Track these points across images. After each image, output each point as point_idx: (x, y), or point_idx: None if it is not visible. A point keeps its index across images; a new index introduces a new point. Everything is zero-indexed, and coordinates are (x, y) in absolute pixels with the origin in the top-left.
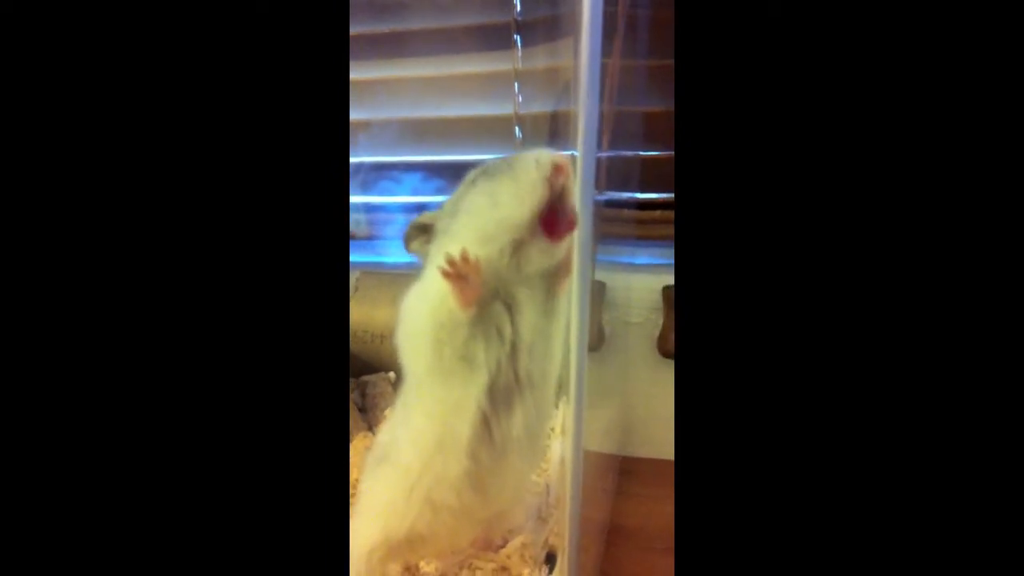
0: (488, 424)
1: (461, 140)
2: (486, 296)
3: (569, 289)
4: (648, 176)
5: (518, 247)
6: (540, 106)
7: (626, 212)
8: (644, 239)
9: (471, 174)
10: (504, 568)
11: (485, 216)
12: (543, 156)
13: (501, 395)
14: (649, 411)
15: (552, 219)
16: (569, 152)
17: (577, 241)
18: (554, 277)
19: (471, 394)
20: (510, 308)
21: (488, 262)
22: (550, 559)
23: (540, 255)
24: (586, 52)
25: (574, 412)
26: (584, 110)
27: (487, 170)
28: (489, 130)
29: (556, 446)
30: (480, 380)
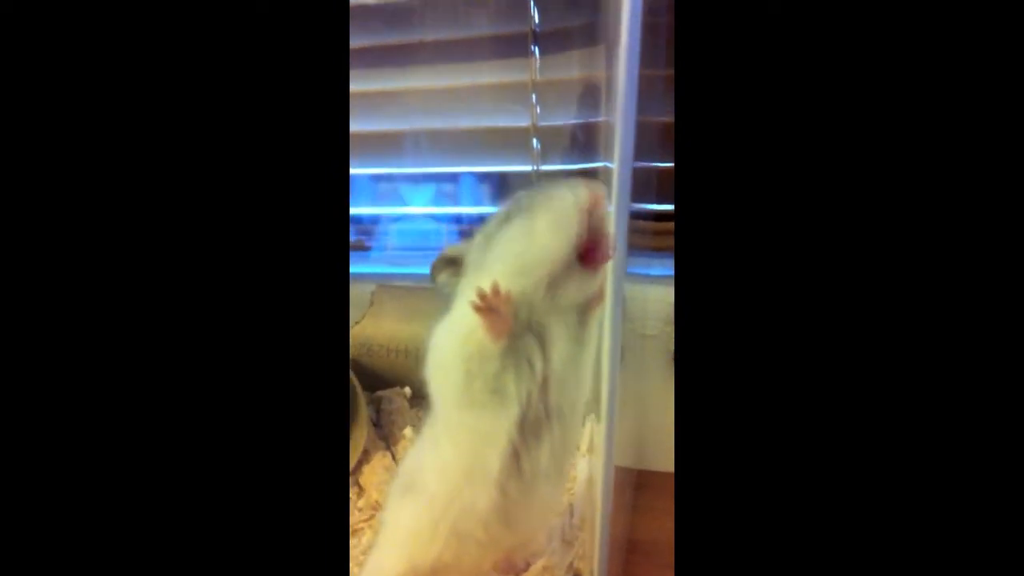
0: (518, 457)
1: (478, 151)
2: (518, 329)
3: (601, 313)
4: (664, 187)
5: (554, 280)
6: (560, 118)
7: (642, 223)
8: (660, 250)
9: (503, 208)
10: None
11: (521, 249)
12: (580, 188)
13: (531, 427)
14: (664, 424)
15: (590, 249)
16: (602, 164)
17: (612, 260)
18: (586, 304)
19: (502, 427)
20: (542, 341)
21: (523, 295)
22: None
23: (576, 287)
24: (624, 63)
25: (605, 434)
26: (621, 122)
27: (521, 204)
28: (507, 141)
29: (582, 464)
30: (511, 413)
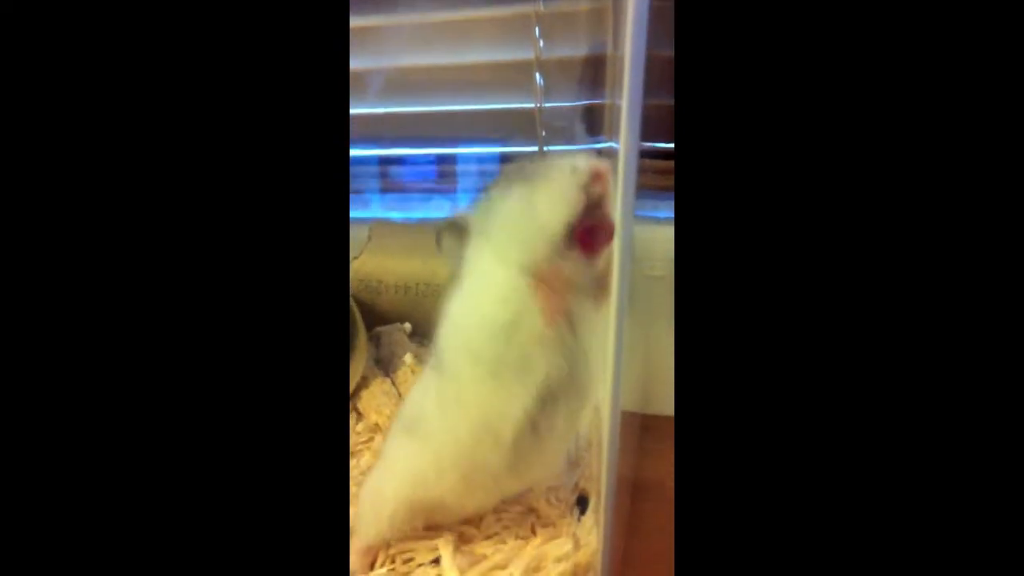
0: (534, 423)
1: (479, 88)
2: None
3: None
4: (672, 125)
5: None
6: (566, 51)
7: (648, 162)
8: (666, 190)
9: (506, 171)
10: (532, 510)
11: (522, 225)
12: (580, 163)
13: (550, 396)
14: (670, 367)
15: (588, 232)
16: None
17: (619, 202)
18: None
19: (520, 403)
20: (571, 320)
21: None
22: (581, 502)
23: (575, 269)
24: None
25: (612, 356)
26: (631, 59)
27: (524, 171)
28: (509, 77)
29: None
30: (531, 389)
